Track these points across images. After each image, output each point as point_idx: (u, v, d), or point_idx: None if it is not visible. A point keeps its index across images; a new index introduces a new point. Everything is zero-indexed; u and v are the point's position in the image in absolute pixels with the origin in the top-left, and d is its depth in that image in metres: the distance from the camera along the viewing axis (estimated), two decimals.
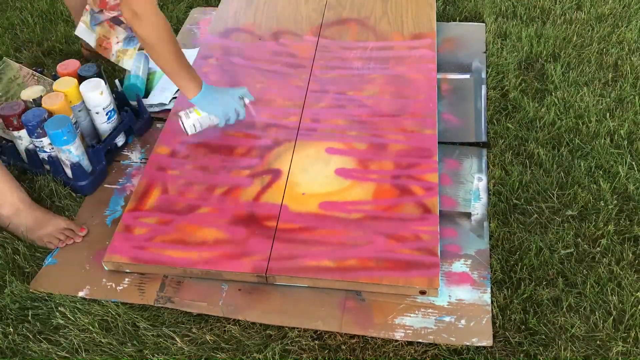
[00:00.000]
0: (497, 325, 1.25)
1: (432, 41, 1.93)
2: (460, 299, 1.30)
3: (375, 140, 1.62)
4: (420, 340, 1.23)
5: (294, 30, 2.03)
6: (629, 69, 1.82)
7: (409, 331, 1.25)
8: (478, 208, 1.48)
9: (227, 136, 1.67)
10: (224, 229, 1.43)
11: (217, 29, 2.07)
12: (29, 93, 1.59)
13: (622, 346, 1.20)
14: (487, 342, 1.22)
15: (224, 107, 1.59)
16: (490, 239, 1.41)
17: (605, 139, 1.60)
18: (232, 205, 1.49)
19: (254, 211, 1.47)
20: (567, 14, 2.07)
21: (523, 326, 1.25)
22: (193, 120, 1.59)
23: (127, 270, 1.40)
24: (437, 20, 2.09)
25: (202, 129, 1.62)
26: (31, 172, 1.62)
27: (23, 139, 1.58)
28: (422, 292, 1.30)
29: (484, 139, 1.65)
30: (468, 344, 1.22)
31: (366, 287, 1.32)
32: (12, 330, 1.29)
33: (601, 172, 1.52)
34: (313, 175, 1.54)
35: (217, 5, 2.23)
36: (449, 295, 1.31)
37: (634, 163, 1.54)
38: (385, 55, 1.90)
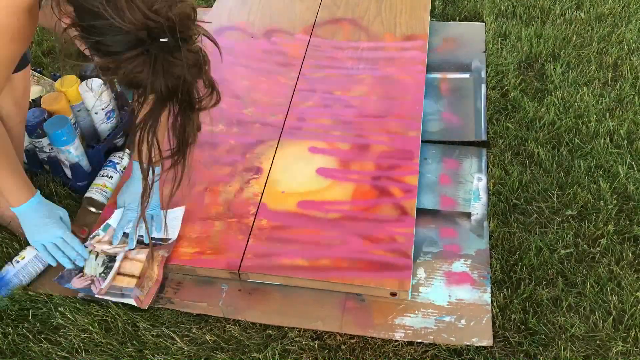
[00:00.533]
0: (497, 325, 1.25)
1: (423, 43, 1.92)
2: (460, 299, 1.30)
3: (358, 140, 1.62)
4: (420, 341, 1.23)
5: (287, 28, 2.03)
6: (628, 68, 1.82)
7: (409, 331, 1.25)
8: (478, 208, 1.48)
9: (211, 133, 1.67)
10: (200, 225, 1.43)
11: (210, 27, 2.06)
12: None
13: (622, 346, 1.20)
14: (487, 341, 1.22)
15: (41, 240, 1.31)
16: (490, 238, 1.41)
17: (605, 138, 1.60)
18: (210, 202, 1.49)
19: (231, 208, 1.47)
20: (566, 14, 2.07)
21: (523, 326, 1.25)
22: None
23: None
24: (437, 20, 2.09)
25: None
26: (30, 172, 1.62)
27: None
28: (393, 294, 1.29)
29: (483, 137, 1.65)
30: (468, 343, 1.22)
31: (338, 287, 1.32)
32: (11, 330, 1.29)
33: (601, 172, 1.52)
34: (294, 174, 1.54)
35: (209, 5, 2.23)
36: (449, 295, 1.31)
37: (633, 163, 1.54)
38: (376, 55, 1.90)
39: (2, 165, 1.21)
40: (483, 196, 1.50)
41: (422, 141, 1.63)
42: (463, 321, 1.26)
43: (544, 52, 1.90)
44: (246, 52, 1.94)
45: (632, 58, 1.86)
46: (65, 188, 1.58)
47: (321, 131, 1.66)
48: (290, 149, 1.61)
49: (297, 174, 1.54)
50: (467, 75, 1.86)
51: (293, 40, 1.97)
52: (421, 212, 1.47)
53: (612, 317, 1.24)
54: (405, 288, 1.29)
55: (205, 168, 1.57)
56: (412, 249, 1.36)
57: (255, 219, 1.44)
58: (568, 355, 1.19)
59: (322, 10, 2.09)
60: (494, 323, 1.25)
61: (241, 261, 1.35)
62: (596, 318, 1.24)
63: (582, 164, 1.54)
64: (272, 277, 1.34)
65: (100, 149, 1.61)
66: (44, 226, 1.30)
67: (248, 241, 1.40)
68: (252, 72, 1.86)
